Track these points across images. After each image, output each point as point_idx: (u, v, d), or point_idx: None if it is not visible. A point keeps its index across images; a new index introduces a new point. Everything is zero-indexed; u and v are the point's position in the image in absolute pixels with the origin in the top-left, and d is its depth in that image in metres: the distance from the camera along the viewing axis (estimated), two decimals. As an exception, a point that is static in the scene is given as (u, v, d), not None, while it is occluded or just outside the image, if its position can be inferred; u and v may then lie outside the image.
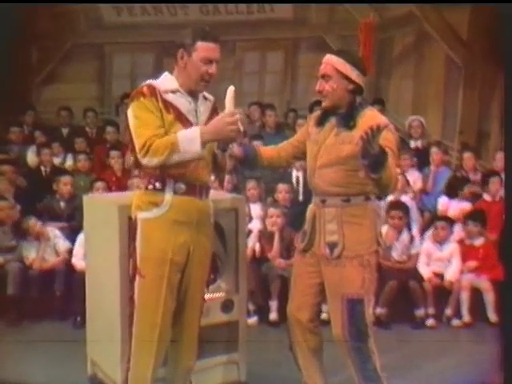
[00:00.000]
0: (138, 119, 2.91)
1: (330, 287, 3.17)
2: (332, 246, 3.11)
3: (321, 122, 3.21)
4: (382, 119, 3.06)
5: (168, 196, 2.98)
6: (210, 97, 3.17)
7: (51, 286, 5.10)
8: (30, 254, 5.25)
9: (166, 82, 3.02)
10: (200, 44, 2.94)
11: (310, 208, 3.26)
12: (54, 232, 5.43)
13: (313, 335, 3.31)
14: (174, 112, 2.96)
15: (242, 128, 2.92)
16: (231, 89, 2.94)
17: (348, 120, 3.08)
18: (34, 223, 5.36)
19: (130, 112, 2.96)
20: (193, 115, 3.02)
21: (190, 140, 2.85)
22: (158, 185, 2.98)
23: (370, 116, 3.08)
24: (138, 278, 3.00)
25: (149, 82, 3.00)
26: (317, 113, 3.31)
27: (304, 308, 3.27)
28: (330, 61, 3.12)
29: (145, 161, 2.88)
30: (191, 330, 3.19)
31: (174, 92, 2.99)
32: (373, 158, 2.75)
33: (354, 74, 3.10)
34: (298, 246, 3.31)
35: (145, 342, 3.01)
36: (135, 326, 3.02)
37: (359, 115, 3.09)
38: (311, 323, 3.29)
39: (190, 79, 2.99)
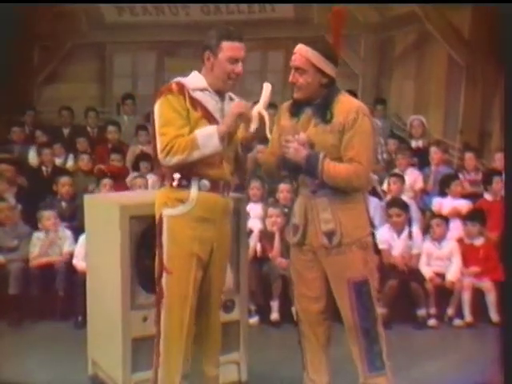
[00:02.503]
0: (163, 118, 2.97)
1: (334, 275, 3.16)
2: (329, 234, 3.09)
3: (295, 113, 3.18)
4: (355, 104, 3.09)
5: (193, 193, 3.02)
6: (236, 98, 3.21)
7: (53, 285, 5.09)
8: (35, 249, 5.21)
9: (195, 80, 3.07)
10: (225, 44, 2.99)
11: (299, 201, 3.22)
12: (65, 232, 5.39)
13: (322, 328, 3.30)
14: (201, 110, 3.02)
15: (255, 122, 2.99)
16: (267, 85, 3.04)
17: (324, 112, 3.07)
18: (48, 215, 5.29)
19: (156, 108, 3.02)
20: (219, 114, 3.07)
21: (207, 135, 2.93)
22: (183, 182, 3.02)
23: (345, 102, 3.08)
24: (164, 275, 3.01)
25: (178, 79, 3.06)
26: (288, 104, 3.26)
27: (312, 301, 3.27)
28: (305, 53, 3.08)
29: (165, 161, 2.94)
30: (215, 328, 3.24)
31: (202, 90, 3.05)
32: (289, 168, 3.14)
33: (328, 67, 3.08)
34: (291, 240, 3.29)
35: (174, 339, 3.03)
36: (164, 324, 3.03)
37: (334, 103, 3.07)
38: (321, 315, 3.28)
39: (218, 79, 3.05)
